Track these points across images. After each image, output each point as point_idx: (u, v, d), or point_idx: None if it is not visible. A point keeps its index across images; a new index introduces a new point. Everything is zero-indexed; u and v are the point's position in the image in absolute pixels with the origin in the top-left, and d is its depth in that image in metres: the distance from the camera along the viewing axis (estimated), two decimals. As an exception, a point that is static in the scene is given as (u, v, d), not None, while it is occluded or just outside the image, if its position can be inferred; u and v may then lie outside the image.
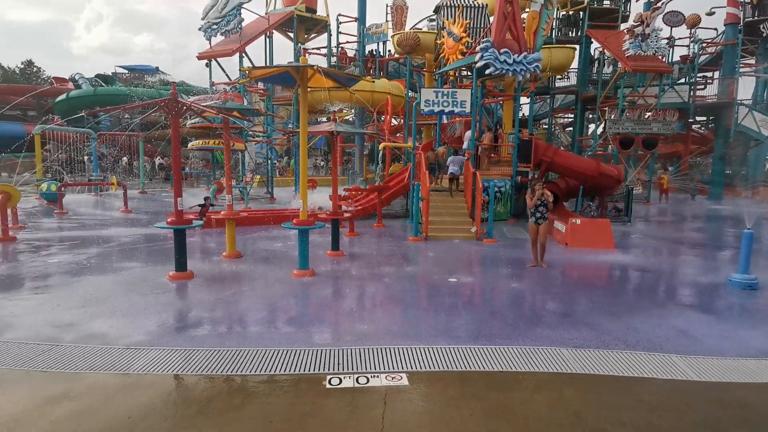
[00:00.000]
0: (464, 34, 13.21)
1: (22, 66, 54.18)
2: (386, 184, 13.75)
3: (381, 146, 14.12)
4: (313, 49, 20.89)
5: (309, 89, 6.67)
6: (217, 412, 3.10)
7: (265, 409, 3.16)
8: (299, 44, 19.00)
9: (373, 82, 16.94)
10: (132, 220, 12.51)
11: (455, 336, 4.62)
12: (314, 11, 19.68)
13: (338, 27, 21.17)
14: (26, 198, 14.68)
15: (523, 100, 17.94)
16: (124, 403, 3.20)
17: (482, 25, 14.57)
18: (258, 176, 20.84)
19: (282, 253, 8.69)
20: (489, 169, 13.10)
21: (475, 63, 11.55)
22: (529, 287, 6.74)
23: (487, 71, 11.52)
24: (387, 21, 20.81)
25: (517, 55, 11.43)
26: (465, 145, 13.06)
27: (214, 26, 17.34)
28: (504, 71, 11.43)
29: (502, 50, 11.28)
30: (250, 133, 18.86)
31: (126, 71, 42.55)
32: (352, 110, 21.33)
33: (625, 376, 3.81)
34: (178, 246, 6.51)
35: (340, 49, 21.55)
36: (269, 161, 20.65)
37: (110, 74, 40.87)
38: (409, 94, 17.71)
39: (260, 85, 18.73)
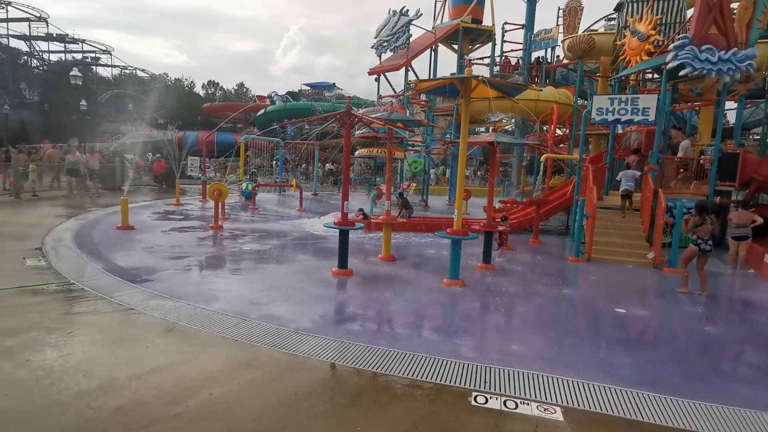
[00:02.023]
0: (653, 32, 11.58)
1: (236, 87, 66.99)
2: (546, 197, 12.89)
3: (543, 158, 13.29)
4: (476, 59, 20.88)
5: (471, 99, 6.66)
6: (367, 407, 3.29)
7: (410, 414, 3.23)
8: (464, 55, 19.20)
9: (540, 90, 16.10)
10: (304, 218, 14.22)
11: (621, 376, 4.04)
12: (480, 22, 19.65)
13: (503, 36, 20.75)
14: (231, 195, 17.96)
15: (729, 105, 14.87)
16: (291, 380, 3.63)
17: (677, 20, 12.60)
18: (414, 184, 21.66)
19: (433, 260, 8.84)
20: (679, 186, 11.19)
21: (666, 64, 10.02)
22: (726, 332, 5.53)
23: (682, 72, 9.87)
24: (558, 25, 19.59)
25: (723, 51, 9.55)
26: (681, 154, 11.46)
27: (385, 43, 18.69)
28: (705, 71, 9.66)
29: (703, 47, 9.55)
30: (410, 142, 19.73)
31: (308, 88, 48.94)
32: (513, 120, 20.61)
33: None
34: (342, 245, 7.14)
35: (503, 58, 21.08)
36: (426, 170, 21.28)
37: (297, 91, 47.49)
38: (578, 102, 16.30)
39: (422, 96, 19.47)
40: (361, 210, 12.21)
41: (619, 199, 10.54)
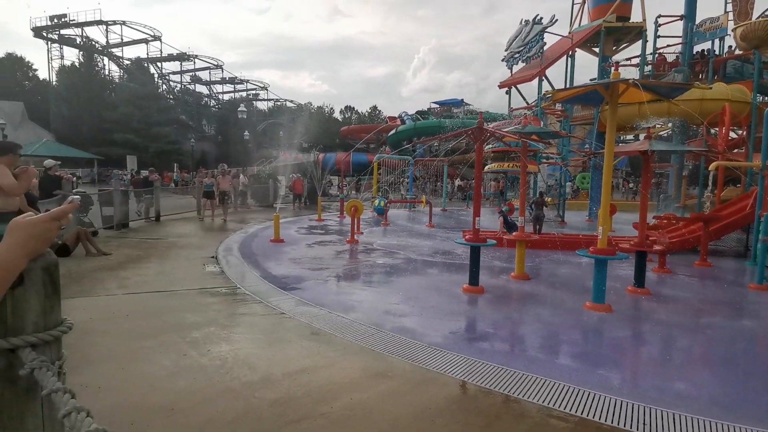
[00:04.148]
0: None
1: (369, 110, 71.67)
2: (716, 213, 10.95)
3: (712, 166, 11.35)
4: (622, 60, 18.95)
5: (619, 105, 6.06)
6: None
7: (551, 445, 3.01)
8: (607, 58, 17.61)
9: (709, 88, 13.91)
10: (433, 234, 14.38)
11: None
12: (627, 19, 17.85)
13: (656, 31, 18.47)
14: (365, 210, 19.10)
15: None
16: (425, 394, 3.68)
17: None
18: (548, 198, 20.37)
19: (571, 281, 8.16)
20: None
21: None
22: None
23: None
24: (726, 12, 16.76)
25: None
26: None
27: (516, 55, 18.15)
28: None
29: None
30: (544, 155, 18.66)
31: (437, 106, 49.85)
32: (669, 124, 18.08)
33: None
34: (473, 261, 7.04)
35: (656, 55, 18.73)
36: (561, 183, 19.87)
37: (426, 110, 48.75)
38: (758, 98, 13.61)
39: (557, 106, 18.33)
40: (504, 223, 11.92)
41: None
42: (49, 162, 9.86)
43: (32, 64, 63.69)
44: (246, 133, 40.79)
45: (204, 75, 65.99)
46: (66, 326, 1.09)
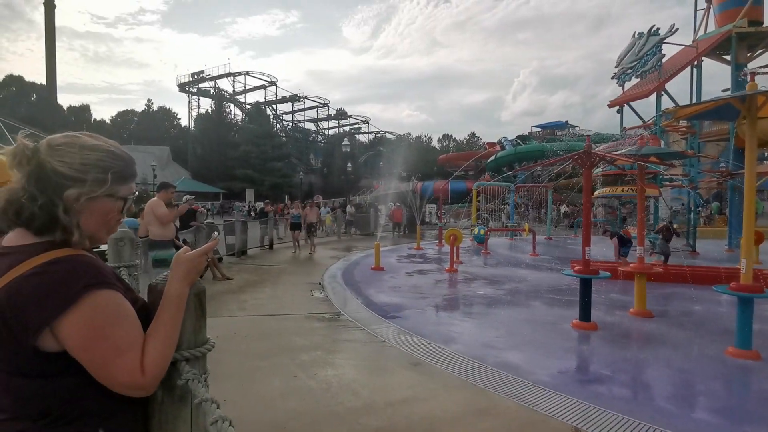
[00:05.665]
0: None
1: (467, 137, 71.52)
2: None
3: None
4: (759, 68, 16.54)
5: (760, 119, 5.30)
6: (624, 489, 2.83)
7: None
8: (741, 66, 15.53)
9: None
10: (538, 264, 13.60)
11: None
12: (760, 23, 15.70)
13: (802, 31, 15.89)
14: (463, 239, 18.80)
15: None
16: (532, 437, 3.46)
17: None
18: (676, 224, 18.13)
19: (706, 321, 7.11)
20: None
21: None
22: None
23: None
24: None
25: None
26: None
27: (629, 71, 16.87)
28: None
29: None
30: (666, 177, 16.79)
31: (539, 129, 47.92)
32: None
33: None
34: (584, 295, 6.52)
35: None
36: (691, 208, 17.59)
37: (527, 134, 47.14)
38: None
39: (682, 122, 16.50)
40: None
41: None
42: (186, 197, 11.47)
43: (176, 114, 75.57)
44: (349, 164, 43.22)
45: (311, 113, 71.98)
46: (210, 344, 1.28)
